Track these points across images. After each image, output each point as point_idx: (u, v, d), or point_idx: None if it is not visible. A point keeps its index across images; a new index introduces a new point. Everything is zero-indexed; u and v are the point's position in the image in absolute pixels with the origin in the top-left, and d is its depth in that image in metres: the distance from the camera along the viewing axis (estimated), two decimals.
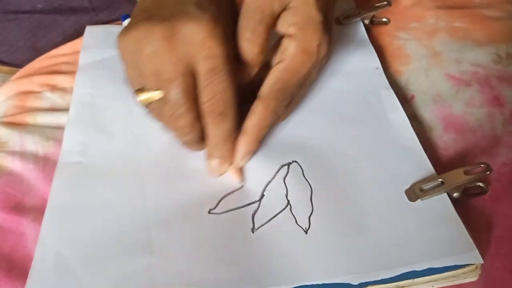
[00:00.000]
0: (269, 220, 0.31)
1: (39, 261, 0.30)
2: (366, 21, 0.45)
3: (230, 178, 0.34)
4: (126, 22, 0.44)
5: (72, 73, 0.43)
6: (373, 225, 0.30)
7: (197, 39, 0.29)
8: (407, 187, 0.32)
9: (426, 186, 0.31)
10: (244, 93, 0.33)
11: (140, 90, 0.31)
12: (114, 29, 0.47)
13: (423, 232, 0.30)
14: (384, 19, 0.45)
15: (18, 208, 0.34)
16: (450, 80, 0.40)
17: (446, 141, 0.36)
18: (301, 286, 0.28)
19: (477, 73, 0.40)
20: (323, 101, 0.38)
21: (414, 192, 0.31)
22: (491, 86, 0.39)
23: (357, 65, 0.41)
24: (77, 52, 0.45)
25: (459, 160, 0.35)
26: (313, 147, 0.35)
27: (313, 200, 0.32)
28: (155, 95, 0.31)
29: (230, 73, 0.30)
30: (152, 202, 0.33)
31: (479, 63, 0.40)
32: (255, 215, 0.32)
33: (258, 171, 0.34)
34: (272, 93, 0.32)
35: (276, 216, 0.32)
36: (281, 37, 0.33)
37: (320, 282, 0.28)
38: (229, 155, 0.33)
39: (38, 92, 0.42)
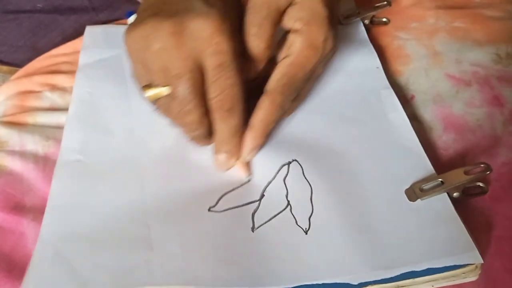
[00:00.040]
0: (269, 220, 0.31)
1: (37, 256, 0.30)
2: (366, 21, 0.45)
3: (231, 175, 0.34)
4: (131, 19, 0.44)
5: (72, 72, 0.43)
6: (373, 225, 0.30)
7: (205, 35, 0.29)
8: (407, 187, 0.32)
9: (426, 186, 0.31)
10: (250, 89, 0.33)
11: (147, 86, 0.31)
12: (114, 29, 0.47)
13: (423, 232, 0.30)
14: (384, 19, 0.45)
15: (18, 208, 0.34)
16: (450, 80, 0.40)
17: (446, 141, 0.36)
18: (301, 286, 0.28)
19: (477, 73, 0.40)
20: (323, 100, 0.38)
21: (414, 192, 0.31)
22: (491, 86, 0.39)
23: (357, 65, 0.41)
24: (77, 52, 0.45)
25: (459, 160, 0.35)
26: (313, 146, 0.35)
27: (313, 201, 0.32)
28: (163, 91, 0.31)
29: (237, 69, 0.30)
30: (152, 199, 0.33)
31: (479, 63, 0.40)
32: (255, 214, 0.32)
33: (259, 171, 0.34)
34: (279, 87, 0.33)
35: (276, 216, 0.32)
36: (286, 33, 0.33)
37: (320, 282, 0.28)
38: (237, 150, 0.33)
39: (38, 92, 0.42)
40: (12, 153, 0.37)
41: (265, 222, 0.31)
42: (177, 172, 0.35)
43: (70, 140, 0.37)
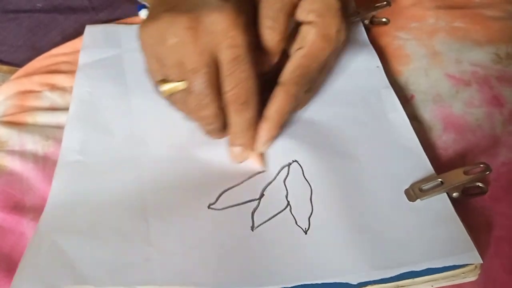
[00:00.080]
0: (269, 219, 0.31)
1: (33, 246, 0.30)
2: (366, 21, 0.45)
3: (231, 172, 0.34)
4: (142, 12, 0.44)
5: (71, 72, 0.43)
6: (372, 225, 0.30)
7: (220, 29, 0.29)
8: (407, 187, 0.32)
9: (425, 186, 0.31)
10: (262, 83, 0.33)
11: (162, 81, 0.31)
12: (114, 29, 0.47)
13: (422, 232, 0.30)
14: (384, 19, 0.45)
15: (17, 208, 0.34)
16: (450, 80, 0.40)
17: (445, 141, 0.36)
18: (301, 285, 0.28)
19: (477, 73, 0.40)
20: (323, 100, 0.38)
21: (414, 192, 0.31)
22: (491, 86, 0.39)
23: (357, 64, 0.41)
24: (76, 52, 0.45)
25: (459, 160, 0.35)
26: (313, 147, 0.35)
27: (312, 201, 0.32)
28: (179, 85, 0.31)
29: (252, 62, 0.31)
30: (151, 196, 0.33)
31: (479, 63, 0.40)
32: (255, 213, 0.32)
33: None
34: (293, 78, 0.33)
35: (276, 216, 0.32)
36: (297, 26, 0.34)
37: (319, 282, 0.28)
38: (251, 142, 0.33)
39: (38, 92, 0.42)
40: (12, 153, 0.37)
41: (265, 222, 0.31)
42: (176, 172, 0.34)
43: (70, 140, 0.37)
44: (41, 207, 0.33)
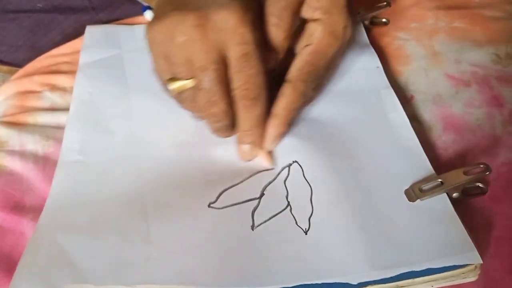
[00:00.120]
0: (269, 219, 0.31)
1: (33, 244, 0.30)
2: (366, 22, 0.45)
3: (231, 171, 0.34)
4: (147, 14, 0.44)
5: (72, 72, 0.43)
6: (372, 225, 0.30)
7: (229, 26, 0.29)
8: (407, 187, 0.32)
9: (425, 186, 0.31)
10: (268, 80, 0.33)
11: (171, 80, 0.32)
12: (114, 29, 0.47)
13: (422, 232, 0.30)
14: (384, 20, 0.45)
15: (17, 207, 0.34)
16: (449, 80, 0.40)
17: (445, 141, 0.36)
18: (301, 285, 0.28)
19: (477, 73, 0.40)
20: (323, 101, 0.38)
21: (414, 192, 0.31)
22: (491, 86, 0.39)
23: (357, 65, 0.41)
24: (77, 52, 0.45)
25: (459, 160, 0.35)
26: (313, 147, 0.35)
27: (313, 201, 0.32)
28: (188, 83, 0.31)
29: (260, 59, 0.31)
30: (151, 195, 0.33)
31: (479, 63, 0.40)
32: (255, 212, 0.32)
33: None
34: (301, 75, 0.33)
35: (276, 216, 0.32)
36: (302, 24, 0.34)
37: (319, 282, 0.28)
38: (260, 140, 0.34)
39: (38, 92, 0.42)
40: (12, 153, 0.37)
41: (265, 221, 0.31)
42: (176, 172, 0.35)
43: (70, 140, 0.37)
44: (41, 207, 0.33)
